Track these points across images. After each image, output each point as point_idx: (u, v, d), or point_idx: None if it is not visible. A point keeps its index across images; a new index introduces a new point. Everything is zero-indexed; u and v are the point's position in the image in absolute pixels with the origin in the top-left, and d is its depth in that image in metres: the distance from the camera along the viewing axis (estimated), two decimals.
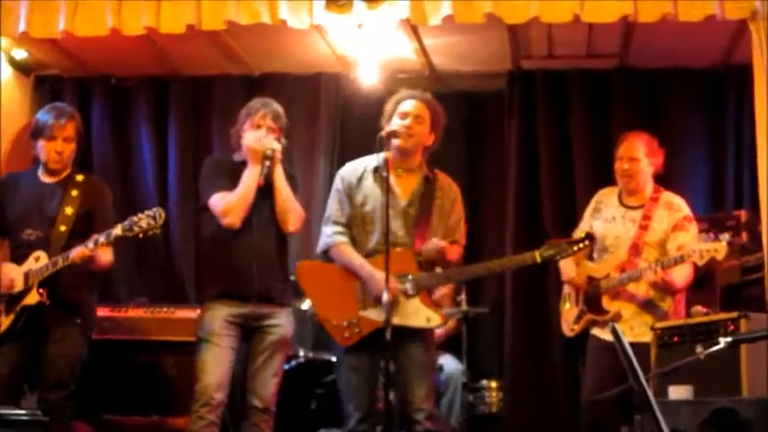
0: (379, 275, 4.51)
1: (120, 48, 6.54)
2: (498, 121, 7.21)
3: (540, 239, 6.82)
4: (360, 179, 4.83)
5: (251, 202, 4.82)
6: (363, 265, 4.68)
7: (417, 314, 4.58)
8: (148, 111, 7.35)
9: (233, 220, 4.81)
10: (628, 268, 5.13)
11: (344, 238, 4.78)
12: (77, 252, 4.74)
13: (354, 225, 4.79)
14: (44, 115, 5.11)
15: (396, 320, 4.44)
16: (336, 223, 4.82)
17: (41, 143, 5.05)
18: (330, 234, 4.82)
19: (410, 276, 4.59)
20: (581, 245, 4.61)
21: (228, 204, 4.82)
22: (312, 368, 6.09)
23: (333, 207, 4.86)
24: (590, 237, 4.59)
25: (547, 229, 6.83)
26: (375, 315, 4.49)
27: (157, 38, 6.29)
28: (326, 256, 4.85)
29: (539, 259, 4.55)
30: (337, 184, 4.89)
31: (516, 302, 6.85)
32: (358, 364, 4.65)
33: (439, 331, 4.80)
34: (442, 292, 4.63)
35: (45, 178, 5.11)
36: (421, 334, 4.64)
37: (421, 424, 4.56)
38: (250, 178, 4.83)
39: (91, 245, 4.75)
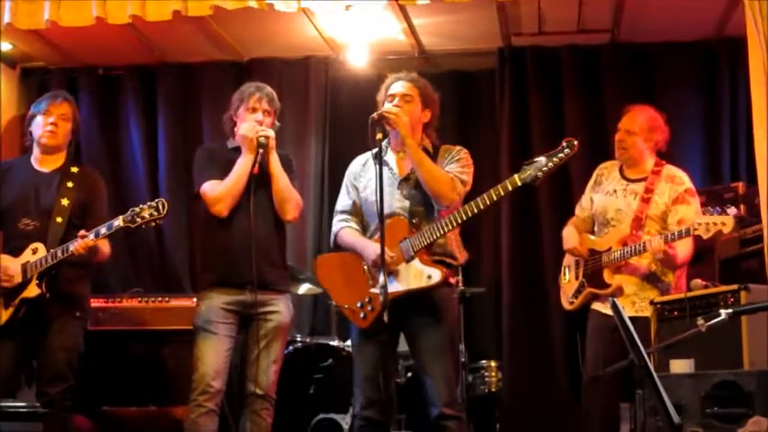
0: (373, 244, 4.54)
1: (106, 37, 6.50)
2: (489, 100, 7.17)
3: (535, 218, 6.85)
4: (363, 166, 4.84)
5: (241, 191, 4.80)
6: (359, 240, 4.70)
7: (419, 275, 4.53)
8: (136, 100, 7.32)
9: (221, 208, 4.81)
10: (630, 242, 5.08)
11: (347, 224, 4.79)
12: (81, 243, 4.71)
13: (364, 212, 4.78)
14: (41, 99, 5.16)
15: (400, 287, 4.48)
16: (341, 212, 4.84)
17: (37, 120, 5.07)
18: (335, 223, 4.85)
19: (405, 240, 4.56)
20: (561, 154, 4.39)
21: (218, 193, 4.81)
22: (309, 353, 6.05)
23: (339, 199, 4.89)
24: (570, 143, 4.44)
25: (542, 206, 6.81)
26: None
27: (143, 26, 6.26)
28: (339, 247, 4.85)
29: (519, 182, 4.41)
30: (345, 177, 4.91)
31: (513, 281, 6.83)
32: (366, 350, 4.62)
33: None
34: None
35: (39, 166, 5.09)
36: (437, 313, 4.59)
37: (439, 409, 4.51)
38: (242, 167, 4.81)
39: (92, 236, 4.73)
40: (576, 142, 4.41)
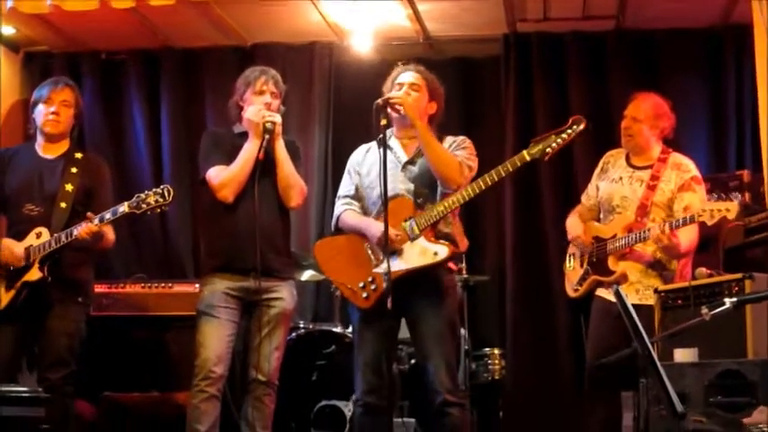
0: (377, 223, 4.52)
1: (109, 22, 6.50)
2: (494, 87, 7.15)
3: (538, 206, 6.83)
4: (366, 152, 4.84)
5: (247, 176, 4.78)
6: (363, 220, 4.70)
7: (424, 253, 4.52)
8: (139, 85, 7.31)
9: (226, 194, 4.79)
10: (635, 229, 5.06)
11: (349, 207, 4.79)
12: (84, 228, 4.69)
13: (366, 197, 4.77)
14: (43, 85, 5.14)
15: (405, 266, 4.46)
16: (344, 197, 4.84)
17: (39, 108, 5.05)
18: (338, 207, 4.85)
19: (410, 219, 4.55)
20: (569, 131, 4.45)
21: (224, 179, 4.79)
22: (312, 340, 6.05)
23: (342, 184, 4.89)
24: (578, 121, 4.45)
25: (545, 194, 6.79)
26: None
27: (147, 11, 6.24)
28: (340, 231, 4.84)
29: (528, 157, 4.44)
30: (348, 165, 4.90)
31: (517, 269, 6.82)
32: (367, 335, 4.61)
33: None
34: None
35: (43, 153, 5.08)
36: (438, 299, 4.57)
37: (442, 396, 4.51)
38: (248, 152, 4.79)
39: (96, 221, 4.71)
40: (583, 120, 4.42)
